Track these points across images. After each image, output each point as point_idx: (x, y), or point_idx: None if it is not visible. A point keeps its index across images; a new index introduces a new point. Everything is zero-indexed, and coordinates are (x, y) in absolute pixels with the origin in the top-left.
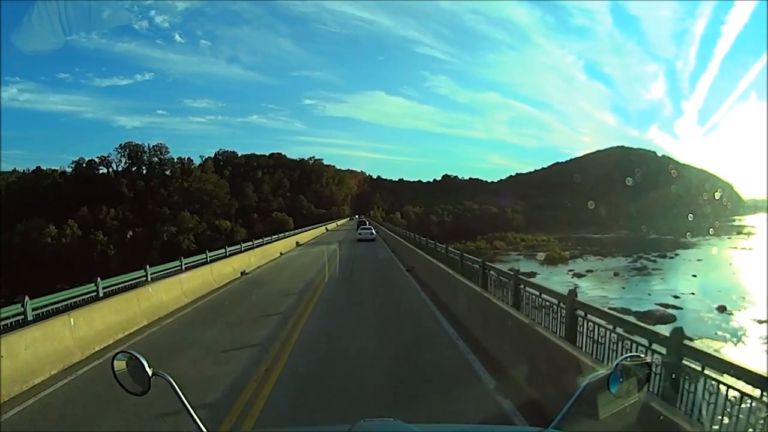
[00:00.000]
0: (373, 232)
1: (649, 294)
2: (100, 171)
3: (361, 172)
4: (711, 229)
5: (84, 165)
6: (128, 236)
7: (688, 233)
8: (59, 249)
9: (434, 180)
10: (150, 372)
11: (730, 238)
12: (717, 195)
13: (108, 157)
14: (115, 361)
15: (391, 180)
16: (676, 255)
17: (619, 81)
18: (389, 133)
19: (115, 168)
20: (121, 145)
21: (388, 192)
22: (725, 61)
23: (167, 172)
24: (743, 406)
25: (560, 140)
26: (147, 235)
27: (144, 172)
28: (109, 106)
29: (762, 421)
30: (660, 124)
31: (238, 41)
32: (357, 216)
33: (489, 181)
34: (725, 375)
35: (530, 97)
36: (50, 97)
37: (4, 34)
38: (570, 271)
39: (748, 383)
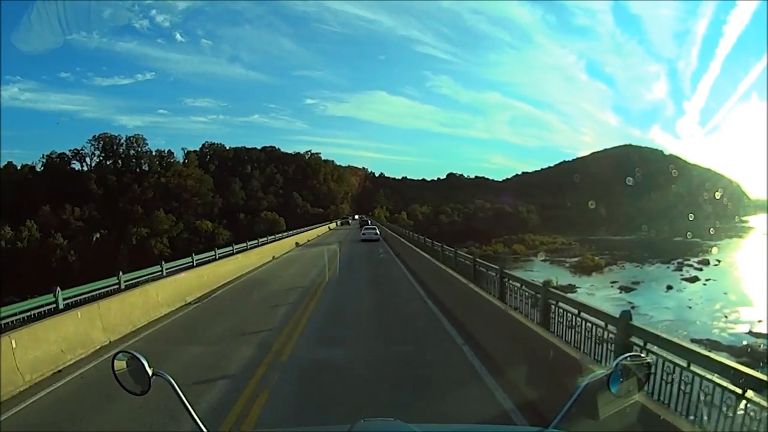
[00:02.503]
0: (377, 232)
1: (726, 317)
2: (72, 166)
3: (363, 168)
4: (711, 229)
5: (56, 159)
6: (94, 239)
7: (689, 233)
8: (15, 254)
9: (438, 178)
10: (150, 372)
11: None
12: (717, 195)
13: (81, 150)
14: (115, 361)
15: (394, 178)
16: (719, 262)
17: (620, 81)
18: (391, 133)
19: (89, 162)
20: (94, 136)
21: (392, 191)
22: (727, 61)
23: (145, 167)
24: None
25: (562, 140)
26: (117, 237)
27: (119, 166)
28: (111, 105)
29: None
30: (662, 124)
31: (239, 40)
32: (358, 216)
33: (495, 180)
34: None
35: (531, 96)
36: (51, 97)
37: (4, 34)
38: (613, 283)
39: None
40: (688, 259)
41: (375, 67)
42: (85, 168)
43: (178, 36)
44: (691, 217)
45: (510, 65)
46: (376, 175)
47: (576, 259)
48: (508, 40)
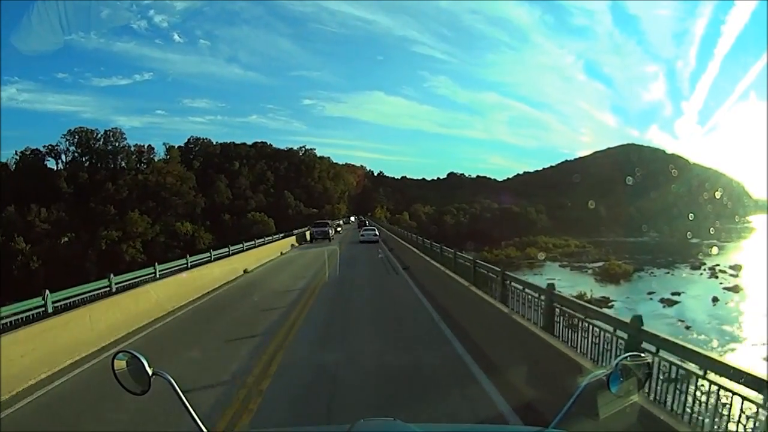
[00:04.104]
0: (377, 233)
1: None
2: (46, 163)
3: (362, 166)
4: (711, 229)
5: (30, 156)
6: (62, 243)
7: (688, 233)
8: None
9: (438, 178)
10: (150, 371)
11: None
12: (717, 194)
13: (56, 146)
14: (115, 361)
15: (394, 178)
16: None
17: (618, 81)
18: (389, 133)
19: (64, 159)
20: (69, 130)
21: (392, 190)
22: (725, 61)
23: (122, 164)
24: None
25: (560, 141)
26: (88, 241)
27: (94, 162)
28: (109, 105)
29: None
30: (660, 124)
31: (237, 41)
32: (355, 217)
33: (497, 179)
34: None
35: (529, 97)
36: (49, 97)
37: (3, 34)
38: (650, 294)
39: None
40: (718, 264)
41: (373, 68)
42: (60, 165)
43: (176, 36)
44: (691, 216)
45: (508, 65)
46: (375, 173)
47: (598, 264)
48: (506, 40)
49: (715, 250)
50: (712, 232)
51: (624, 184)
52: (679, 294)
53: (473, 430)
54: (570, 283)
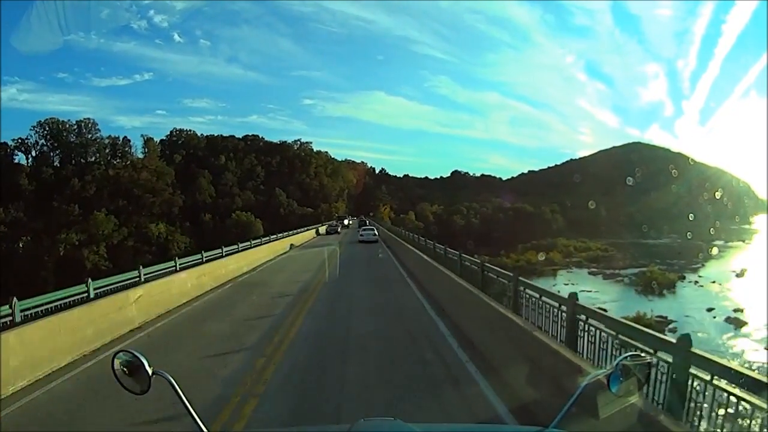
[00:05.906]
0: (376, 232)
1: None
2: (14, 158)
3: (363, 163)
4: (711, 229)
5: None
6: (21, 247)
7: (688, 233)
8: None
9: (442, 177)
10: (150, 371)
11: None
12: (718, 194)
13: (26, 140)
14: (115, 360)
15: (396, 176)
16: None
17: (619, 81)
18: (390, 133)
19: (34, 153)
20: (39, 122)
21: (395, 188)
22: (726, 60)
23: (93, 157)
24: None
25: (561, 140)
26: (51, 244)
27: (64, 157)
28: (109, 106)
29: None
30: (661, 124)
31: (237, 41)
32: (356, 217)
33: (501, 178)
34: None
35: (530, 96)
36: (49, 98)
37: (3, 34)
38: (710, 310)
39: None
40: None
41: (373, 68)
42: (30, 160)
43: (176, 36)
44: (691, 216)
45: (508, 65)
46: (377, 171)
47: (632, 271)
48: (507, 40)
49: (715, 250)
50: (711, 232)
51: (629, 184)
52: (741, 310)
53: (473, 430)
54: (611, 297)
